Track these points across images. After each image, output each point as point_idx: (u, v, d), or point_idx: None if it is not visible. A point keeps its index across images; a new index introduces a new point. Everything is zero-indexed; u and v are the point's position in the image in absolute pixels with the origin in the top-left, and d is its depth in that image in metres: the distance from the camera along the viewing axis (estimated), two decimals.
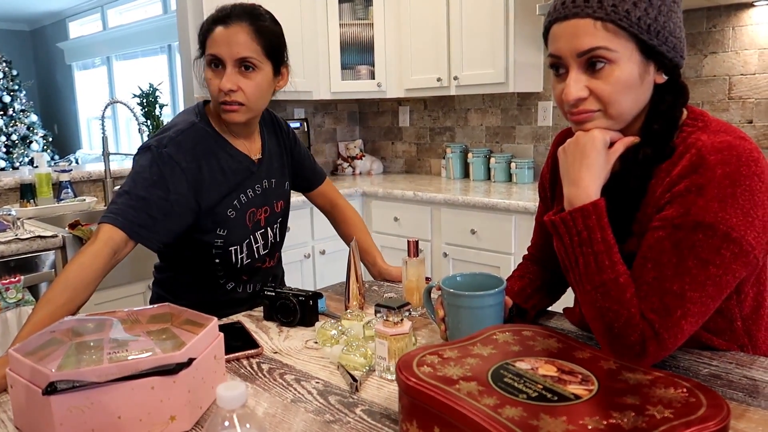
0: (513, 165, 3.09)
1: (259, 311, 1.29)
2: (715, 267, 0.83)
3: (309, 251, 2.93)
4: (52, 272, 2.04)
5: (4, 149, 7.60)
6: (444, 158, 3.44)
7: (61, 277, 1.11)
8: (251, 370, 1.00)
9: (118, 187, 1.31)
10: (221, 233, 1.35)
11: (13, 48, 9.02)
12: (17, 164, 7.51)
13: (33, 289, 1.99)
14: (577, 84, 0.89)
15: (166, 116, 6.53)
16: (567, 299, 1.18)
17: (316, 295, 1.22)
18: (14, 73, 7.84)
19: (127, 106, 2.73)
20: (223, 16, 1.27)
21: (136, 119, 2.71)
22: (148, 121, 6.14)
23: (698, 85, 2.56)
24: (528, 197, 2.59)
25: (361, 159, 3.80)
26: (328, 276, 2.97)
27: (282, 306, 1.21)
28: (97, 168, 2.90)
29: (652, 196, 0.92)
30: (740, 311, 0.97)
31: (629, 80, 0.88)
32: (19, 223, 2.04)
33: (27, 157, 7.67)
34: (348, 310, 1.21)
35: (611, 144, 0.91)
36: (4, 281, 1.91)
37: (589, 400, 0.67)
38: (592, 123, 0.91)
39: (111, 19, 8.16)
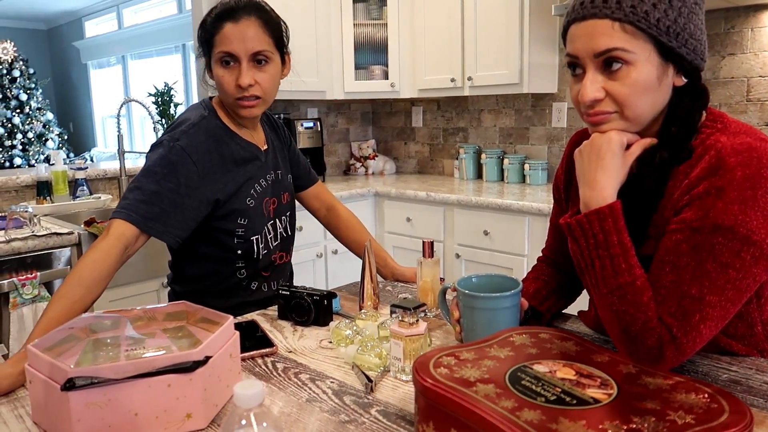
0: (527, 166, 3.07)
1: (273, 310, 1.29)
2: (734, 270, 0.82)
3: (321, 251, 2.93)
4: (68, 269, 2.06)
5: (21, 147, 7.69)
6: (457, 159, 3.43)
7: (74, 274, 1.11)
8: (266, 369, 1.01)
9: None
10: (242, 222, 1.35)
11: (30, 46, 9.12)
12: (33, 162, 7.59)
13: (49, 286, 2.01)
14: (593, 84, 0.88)
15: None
16: (582, 302, 1.18)
17: (331, 295, 1.22)
18: (31, 71, 7.93)
19: (143, 105, 2.75)
20: (230, 11, 1.25)
21: (151, 118, 2.73)
22: (163, 120, 6.18)
23: (716, 86, 2.54)
24: (541, 199, 2.58)
25: (374, 159, 3.80)
26: (340, 275, 2.98)
27: (296, 305, 1.21)
28: (112, 166, 2.94)
29: (670, 199, 0.90)
30: (760, 315, 0.95)
31: (646, 82, 0.87)
32: (35, 220, 2.06)
33: (43, 154, 7.75)
34: (362, 311, 1.21)
35: (628, 146, 0.91)
36: (21, 277, 1.94)
37: (608, 404, 0.66)
38: (608, 125, 0.90)
39: (126, 18, 8.23)
